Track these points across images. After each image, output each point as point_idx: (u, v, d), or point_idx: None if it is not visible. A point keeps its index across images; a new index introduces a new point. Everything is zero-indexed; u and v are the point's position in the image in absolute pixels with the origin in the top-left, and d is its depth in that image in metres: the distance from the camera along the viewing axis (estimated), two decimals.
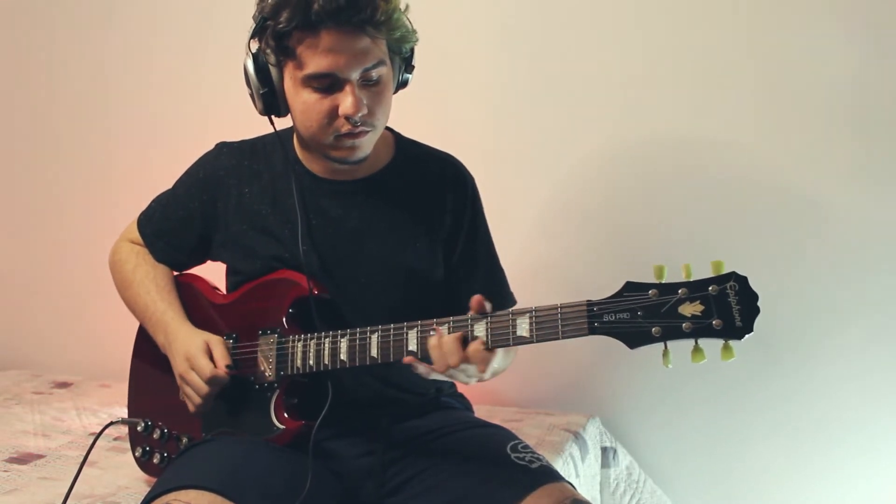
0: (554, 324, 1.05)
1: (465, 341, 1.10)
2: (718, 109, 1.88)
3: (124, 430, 1.65)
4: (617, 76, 1.95)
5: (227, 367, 1.29)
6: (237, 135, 1.45)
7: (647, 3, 1.92)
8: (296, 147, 1.37)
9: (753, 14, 1.84)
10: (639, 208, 1.96)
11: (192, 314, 1.40)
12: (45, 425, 1.92)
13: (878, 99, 1.77)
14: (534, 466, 1.21)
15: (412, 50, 1.28)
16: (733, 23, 1.86)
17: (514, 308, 1.12)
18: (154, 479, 1.25)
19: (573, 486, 1.21)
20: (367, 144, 1.26)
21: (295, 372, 1.27)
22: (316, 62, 1.17)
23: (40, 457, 1.69)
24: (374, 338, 1.19)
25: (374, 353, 1.19)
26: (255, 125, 1.38)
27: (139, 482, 1.50)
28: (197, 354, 1.30)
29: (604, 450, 1.92)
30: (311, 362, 1.25)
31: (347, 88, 1.19)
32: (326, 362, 1.23)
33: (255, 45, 1.24)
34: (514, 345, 1.09)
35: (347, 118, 1.20)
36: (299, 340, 1.27)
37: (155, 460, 1.43)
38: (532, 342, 1.07)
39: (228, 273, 1.44)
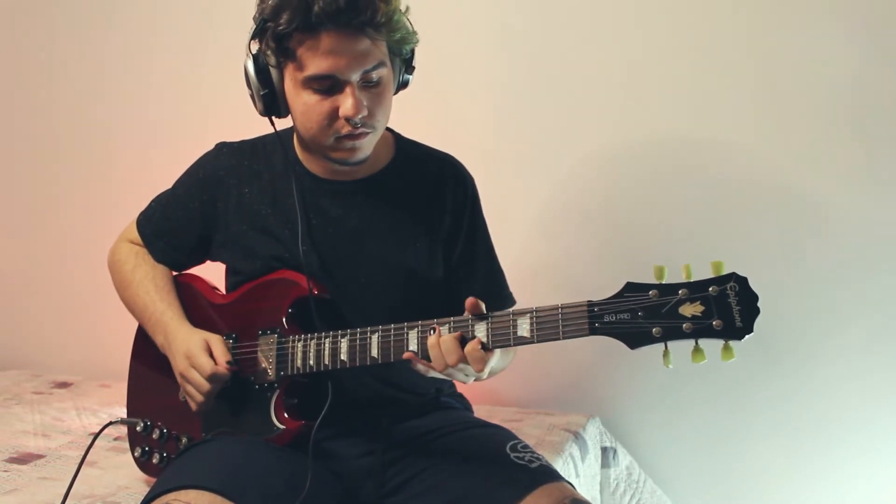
0: (555, 324, 1.05)
1: (463, 341, 1.10)
2: (718, 109, 1.88)
3: (124, 430, 1.65)
4: (617, 76, 1.95)
5: (228, 363, 1.29)
6: (237, 135, 1.45)
7: (647, 3, 1.92)
8: (296, 147, 1.37)
9: (753, 14, 1.84)
10: (639, 208, 1.96)
11: (191, 314, 1.40)
12: (45, 425, 1.92)
13: (878, 99, 1.77)
14: (533, 466, 1.21)
15: (412, 51, 1.28)
16: (733, 23, 1.86)
17: (514, 308, 1.12)
18: (153, 479, 1.25)
19: (573, 486, 1.21)
20: (367, 146, 1.26)
21: (295, 372, 1.27)
22: (316, 64, 1.17)
23: (40, 457, 1.69)
24: (375, 338, 1.19)
25: (374, 353, 1.19)
26: (255, 125, 1.38)
27: (139, 482, 1.50)
28: (197, 352, 1.30)
29: (604, 450, 1.92)
30: (311, 362, 1.25)
31: (348, 90, 1.19)
32: (327, 362, 1.23)
33: (255, 47, 1.24)
34: (515, 345, 1.09)
35: (348, 120, 1.20)
36: (299, 340, 1.27)
37: (154, 460, 1.43)
38: (533, 342, 1.07)
39: (228, 273, 1.44)
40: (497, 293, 1.41)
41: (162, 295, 1.41)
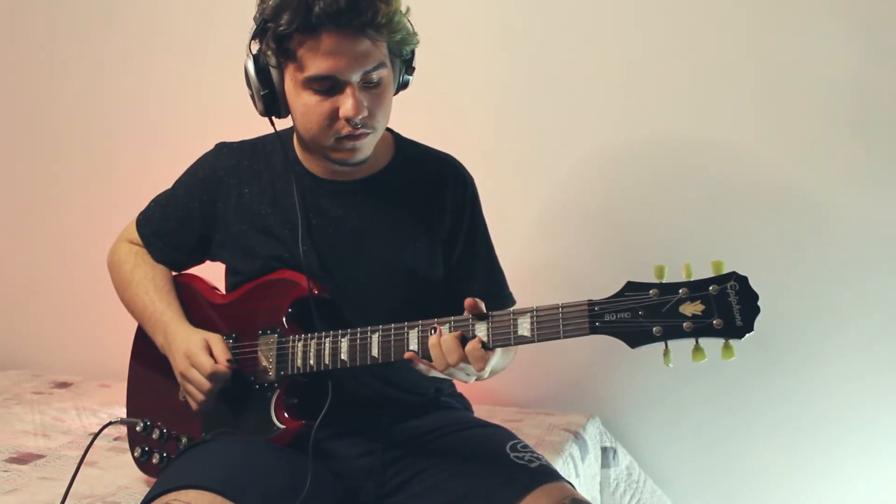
0: (555, 323, 1.05)
1: (464, 340, 1.10)
2: (718, 109, 1.88)
3: (124, 430, 1.65)
4: (617, 76, 1.95)
5: (228, 361, 1.29)
6: (237, 135, 1.45)
7: (647, 3, 1.92)
8: (296, 147, 1.37)
9: (753, 14, 1.84)
10: (639, 208, 1.96)
11: (191, 314, 1.40)
12: (45, 425, 1.92)
13: (878, 99, 1.77)
14: (533, 466, 1.21)
15: (413, 52, 1.28)
16: (733, 23, 1.86)
17: (515, 308, 1.12)
18: (153, 479, 1.25)
19: (572, 486, 1.21)
20: (367, 146, 1.26)
21: (295, 372, 1.27)
22: (316, 65, 1.17)
23: (40, 457, 1.69)
24: (375, 337, 1.19)
25: (374, 352, 1.19)
26: (254, 125, 1.38)
27: (139, 482, 1.50)
28: (197, 351, 1.30)
29: (604, 450, 1.92)
30: (311, 362, 1.25)
31: (348, 91, 1.19)
32: (327, 362, 1.23)
33: (255, 47, 1.24)
34: (515, 344, 1.09)
35: (348, 120, 1.20)
36: (299, 340, 1.27)
37: (154, 460, 1.43)
38: (533, 342, 1.07)
39: (228, 273, 1.44)
40: (497, 293, 1.41)
41: (161, 295, 1.41)
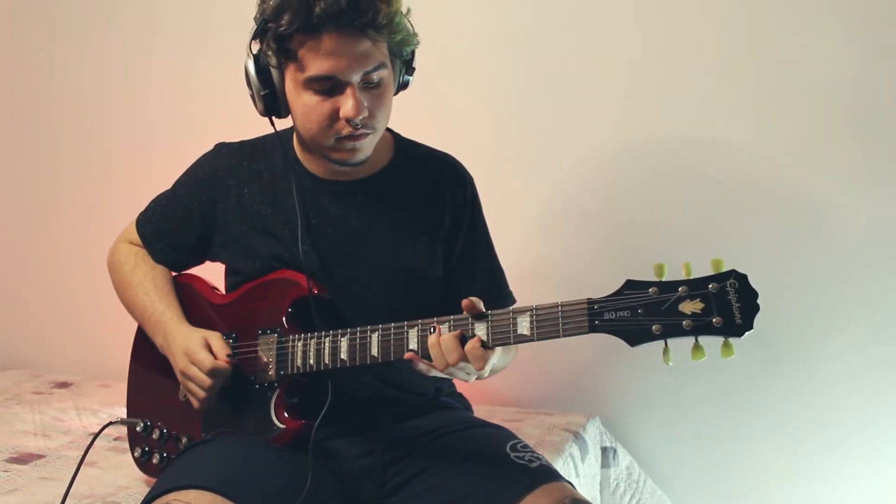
0: (555, 322, 1.05)
1: (463, 339, 1.10)
2: (718, 109, 1.88)
3: (124, 430, 1.65)
4: (617, 76, 1.95)
5: (228, 356, 1.29)
6: (237, 135, 1.45)
7: (647, 3, 1.92)
8: (295, 147, 1.37)
9: (753, 14, 1.84)
10: (639, 208, 1.96)
11: (190, 314, 1.40)
12: (45, 425, 1.92)
13: (878, 99, 1.77)
14: (533, 466, 1.21)
15: (413, 52, 1.28)
16: (733, 23, 1.86)
17: (514, 306, 1.12)
18: (153, 480, 1.25)
19: (572, 486, 1.21)
20: (367, 146, 1.26)
21: (295, 371, 1.27)
22: (317, 65, 1.17)
23: (40, 457, 1.69)
24: (375, 337, 1.19)
25: (374, 352, 1.19)
26: (254, 125, 1.38)
27: (139, 482, 1.50)
28: (196, 349, 1.30)
29: (604, 450, 1.92)
30: (311, 362, 1.25)
31: (348, 91, 1.19)
32: (327, 361, 1.23)
33: (256, 47, 1.24)
34: (515, 343, 1.09)
35: (348, 121, 1.20)
36: (299, 340, 1.27)
37: (154, 460, 1.43)
38: (533, 340, 1.07)
39: (228, 273, 1.44)
40: (497, 292, 1.41)
41: (161, 295, 1.41)
